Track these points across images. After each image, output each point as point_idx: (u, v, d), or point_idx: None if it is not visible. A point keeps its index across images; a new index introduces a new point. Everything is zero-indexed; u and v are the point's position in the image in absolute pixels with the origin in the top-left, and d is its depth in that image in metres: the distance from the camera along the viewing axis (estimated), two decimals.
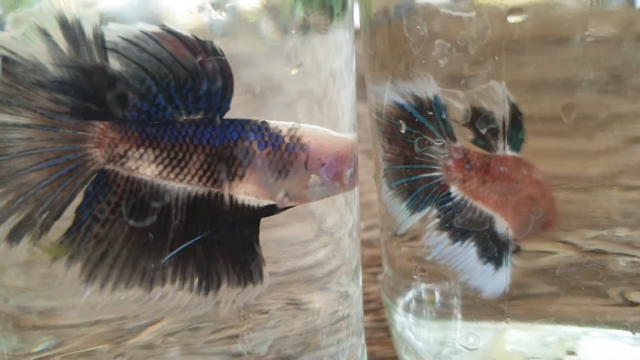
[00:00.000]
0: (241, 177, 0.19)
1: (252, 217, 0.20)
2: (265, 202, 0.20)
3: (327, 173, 0.21)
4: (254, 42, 0.19)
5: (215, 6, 0.18)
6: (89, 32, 0.17)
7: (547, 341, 0.23)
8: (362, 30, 0.26)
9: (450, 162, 0.23)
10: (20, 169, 0.18)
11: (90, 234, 0.18)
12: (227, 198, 0.19)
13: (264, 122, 0.19)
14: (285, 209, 0.20)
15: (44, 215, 0.18)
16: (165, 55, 0.18)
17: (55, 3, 0.17)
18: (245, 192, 0.19)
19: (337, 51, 0.22)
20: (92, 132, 0.18)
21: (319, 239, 0.22)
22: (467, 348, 0.24)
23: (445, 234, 0.24)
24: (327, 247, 0.23)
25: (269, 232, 0.20)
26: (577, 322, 0.23)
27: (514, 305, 0.23)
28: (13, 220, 0.18)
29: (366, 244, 0.40)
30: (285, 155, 0.20)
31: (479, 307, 0.24)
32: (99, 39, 0.17)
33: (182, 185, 0.19)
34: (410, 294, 0.27)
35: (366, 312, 0.34)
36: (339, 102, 0.22)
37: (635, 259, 0.22)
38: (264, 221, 0.20)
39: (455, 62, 0.21)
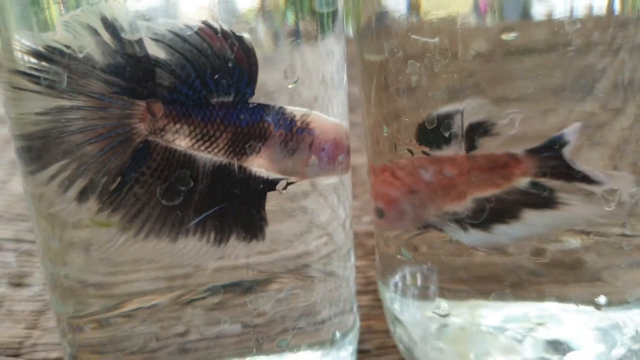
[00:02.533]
0: (257, 152, 0.22)
1: (260, 186, 0.22)
2: (272, 175, 0.23)
3: (325, 155, 0.24)
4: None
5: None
6: (126, 26, 0.19)
7: None
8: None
9: None
10: (79, 142, 0.20)
11: (131, 193, 0.21)
12: (243, 169, 0.22)
13: (281, 107, 0.22)
14: (288, 183, 0.23)
15: (103, 180, 0.21)
16: (204, 46, 0.20)
17: (96, 5, 0.19)
18: (258, 166, 0.22)
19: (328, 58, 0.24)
20: (137, 110, 0.20)
21: (312, 232, 0.25)
22: (439, 314, 0.27)
23: None
24: (322, 238, 0.25)
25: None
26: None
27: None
28: (80, 184, 0.21)
29: (370, 235, 0.43)
30: (295, 137, 0.23)
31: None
32: (136, 32, 0.19)
33: (209, 156, 0.21)
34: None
35: (366, 292, 0.37)
36: (330, 108, 0.25)
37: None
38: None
39: None
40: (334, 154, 0.24)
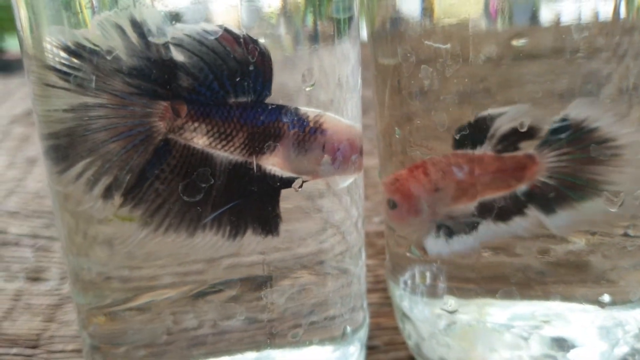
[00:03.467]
0: (272, 151, 0.23)
1: (276, 184, 0.23)
2: (286, 174, 0.23)
3: (337, 156, 0.24)
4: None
5: None
6: (153, 29, 0.20)
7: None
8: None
9: None
10: (103, 140, 0.21)
11: (152, 189, 0.22)
12: (258, 167, 0.22)
13: (295, 108, 0.23)
14: (303, 182, 0.24)
15: (127, 177, 0.21)
16: (221, 49, 0.21)
17: (127, 7, 0.20)
18: (272, 164, 0.23)
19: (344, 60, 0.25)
20: (157, 109, 0.21)
21: (326, 231, 0.26)
22: (447, 311, 0.28)
23: None
24: (335, 237, 0.26)
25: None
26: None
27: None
28: (105, 182, 0.22)
29: (380, 234, 0.43)
30: (308, 137, 0.23)
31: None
32: (162, 35, 0.20)
33: (225, 154, 0.22)
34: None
35: (376, 290, 0.38)
36: (345, 110, 0.25)
37: None
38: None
39: None
40: (346, 154, 0.25)
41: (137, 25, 0.20)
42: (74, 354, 0.33)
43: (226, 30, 0.21)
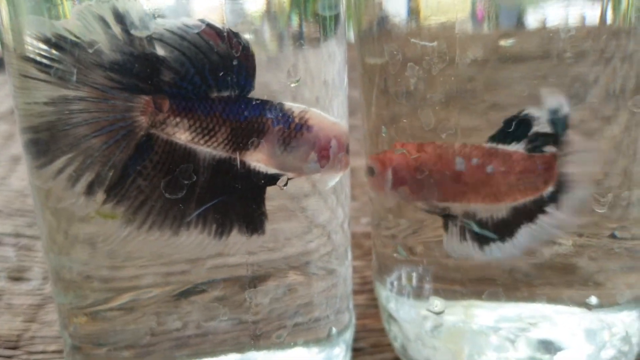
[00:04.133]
0: (255, 147, 0.22)
1: (259, 181, 0.23)
2: (271, 171, 0.23)
3: (323, 153, 0.24)
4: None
5: None
6: (136, 22, 0.20)
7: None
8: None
9: None
10: (83, 134, 0.21)
11: (134, 185, 0.21)
12: (242, 163, 0.22)
13: (280, 104, 0.22)
14: (286, 179, 0.23)
15: (110, 173, 0.21)
16: (202, 43, 0.20)
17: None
18: (257, 160, 0.22)
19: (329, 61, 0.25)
20: (139, 104, 0.21)
21: (312, 232, 0.25)
22: (433, 312, 0.27)
23: None
24: (321, 237, 0.26)
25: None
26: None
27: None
28: (87, 178, 0.21)
29: (367, 236, 0.43)
30: (293, 134, 0.23)
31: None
32: (145, 29, 0.20)
33: (208, 150, 0.22)
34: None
35: (363, 292, 0.37)
36: (331, 109, 0.25)
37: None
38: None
39: None
40: (332, 152, 0.24)
41: (120, 17, 0.20)
42: (55, 355, 0.32)
43: (208, 25, 0.21)
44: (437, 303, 0.27)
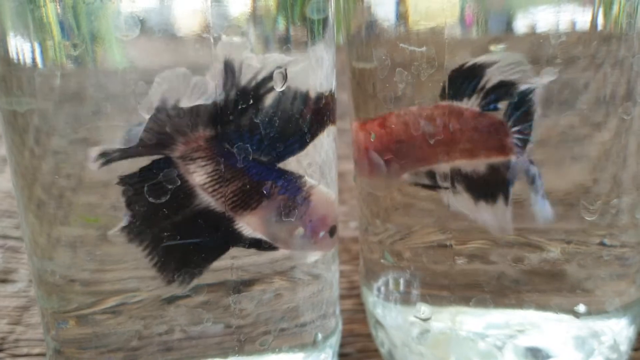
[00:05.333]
0: (253, 209, 0.22)
1: (239, 240, 0.22)
2: (256, 235, 0.22)
3: (310, 229, 0.24)
4: None
5: None
6: None
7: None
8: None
9: None
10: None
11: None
12: (231, 219, 0.22)
13: (297, 175, 0.23)
14: (269, 247, 0.23)
15: None
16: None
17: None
18: (247, 223, 0.22)
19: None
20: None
21: None
22: (420, 319, 0.27)
23: None
24: None
25: None
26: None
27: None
28: None
29: (356, 240, 0.42)
30: (293, 205, 0.23)
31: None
32: None
33: (209, 198, 0.21)
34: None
35: (350, 296, 0.37)
36: None
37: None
38: None
39: None
40: (318, 230, 0.24)
41: None
42: (39, 358, 0.32)
43: None
44: (424, 309, 0.27)
